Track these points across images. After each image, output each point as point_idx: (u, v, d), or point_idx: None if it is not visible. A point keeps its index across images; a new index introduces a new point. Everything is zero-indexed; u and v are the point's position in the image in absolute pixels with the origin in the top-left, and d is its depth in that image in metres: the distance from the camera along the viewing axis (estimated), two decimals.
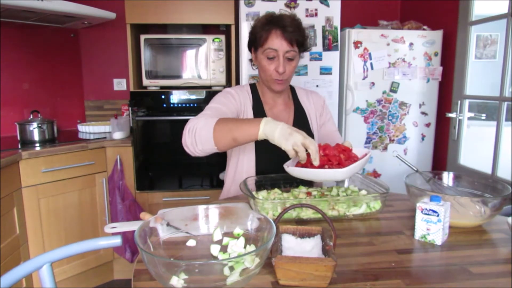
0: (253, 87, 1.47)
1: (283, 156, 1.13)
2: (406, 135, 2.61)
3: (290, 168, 1.10)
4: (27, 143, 2.15)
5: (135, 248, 2.29)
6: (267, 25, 1.29)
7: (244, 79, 2.43)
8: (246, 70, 2.42)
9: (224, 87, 2.50)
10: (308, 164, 1.09)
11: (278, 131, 1.03)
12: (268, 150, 1.25)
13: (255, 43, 1.35)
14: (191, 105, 2.43)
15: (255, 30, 1.34)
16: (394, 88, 2.53)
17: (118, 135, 2.35)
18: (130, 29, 2.38)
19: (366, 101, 2.53)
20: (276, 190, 1.21)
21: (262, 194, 1.16)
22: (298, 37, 1.29)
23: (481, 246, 0.92)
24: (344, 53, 2.50)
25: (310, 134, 1.47)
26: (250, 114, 1.40)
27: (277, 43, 1.28)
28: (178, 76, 2.46)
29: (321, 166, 1.08)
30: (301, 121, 1.47)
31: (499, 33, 3.37)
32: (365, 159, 1.11)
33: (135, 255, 2.31)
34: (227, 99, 1.36)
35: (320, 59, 2.46)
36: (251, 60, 1.44)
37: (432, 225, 0.92)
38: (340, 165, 1.08)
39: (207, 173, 2.50)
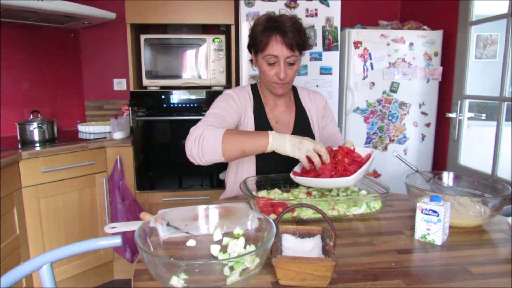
0: (254, 87, 1.47)
1: (283, 156, 1.14)
2: (406, 135, 2.61)
3: (298, 178, 1.11)
4: (27, 143, 2.15)
5: (135, 248, 2.29)
6: (267, 30, 1.26)
7: (244, 79, 2.43)
8: (246, 70, 2.42)
9: (224, 87, 2.50)
10: (312, 171, 1.12)
11: (287, 142, 1.08)
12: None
13: (255, 47, 1.33)
14: (191, 105, 2.43)
15: (254, 34, 1.31)
16: (394, 88, 2.53)
17: (118, 135, 2.35)
18: (130, 29, 2.38)
19: (366, 101, 2.53)
20: (276, 190, 1.21)
21: (262, 194, 1.17)
22: (298, 41, 1.27)
23: (481, 246, 0.92)
24: (344, 53, 2.50)
25: (312, 136, 1.46)
26: (250, 116, 1.40)
27: (277, 49, 1.26)
28: (178, 76, 2.46)
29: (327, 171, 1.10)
30: (302, 122, 1.46)
31: (499, 33, 3.37)
32: (369, 161, 1.11)
33: (135, 255, 2.31)
34: (228, 103, 1.35)
35: (320, 59, 2.46)
36: (251, 61, 1.43)
37: (432, 225, 0.92)
38: (346, 171, 1.08)
39: (207, 173, 2.50)
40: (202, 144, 1.13)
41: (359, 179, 1.09)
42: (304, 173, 1.14)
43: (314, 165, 1.10)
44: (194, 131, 1.17)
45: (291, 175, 1.14)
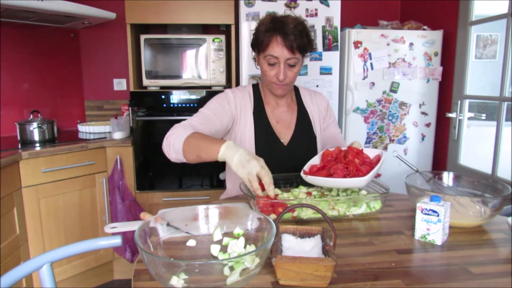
0: (255, 87, 1.46)
1: (284, 156, 1.14)
2: (406, 135, 2.61)
3: (309, 177, 1.10)
4: (27, 143, 2.15)
5: (135, 248, 2.29)
6: (268, 30, 1.26)
7: (244, 79, 2.43)
8: (246, 70, 2.42)
9: (224, 87, 2.50)
10: (323, 170, 1.12)
11: (236, 157, 1.02)
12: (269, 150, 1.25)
13: (257, 46, 1.33)
14: (191, 105, 2.43)
15: (258, 33, 1.31)
16: (394, 88, 2.53)
17: (118, 135, 2.35)
18: (130, 29, 2.38)
19: (366, 101, 2.53)
20: (276, 190, 1.20)
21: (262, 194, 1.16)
22: (300, 44, 1.26)
23: (481, 246, 0.92)
24: (344, 53, 2.50)
25: (313, 136, 1.46)
26: (249, 116, 1.39)
27: (277, 50, 1.26)
28: (178, 76, 2.46)
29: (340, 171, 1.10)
30: (303, 123, 1.46)
31: (499, 33, 3.37)
32: (380, 162, 1.12)
33: (135, 255, 2.31)
34: (221, 105, 1.36)
35: (320, 59, 2.46)
36: (254, 59, 1.42)
37: (432, 225, 0.91)
38: (358, 171, 1.08)
39: (207, 173, 2.50)
40: (169, 143, 1.18)
41: (371, 179, 1.09)
42: (315, 172, 1.14)
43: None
44: (171, 129, 1.22)
45: (302, 174, 1.14)
